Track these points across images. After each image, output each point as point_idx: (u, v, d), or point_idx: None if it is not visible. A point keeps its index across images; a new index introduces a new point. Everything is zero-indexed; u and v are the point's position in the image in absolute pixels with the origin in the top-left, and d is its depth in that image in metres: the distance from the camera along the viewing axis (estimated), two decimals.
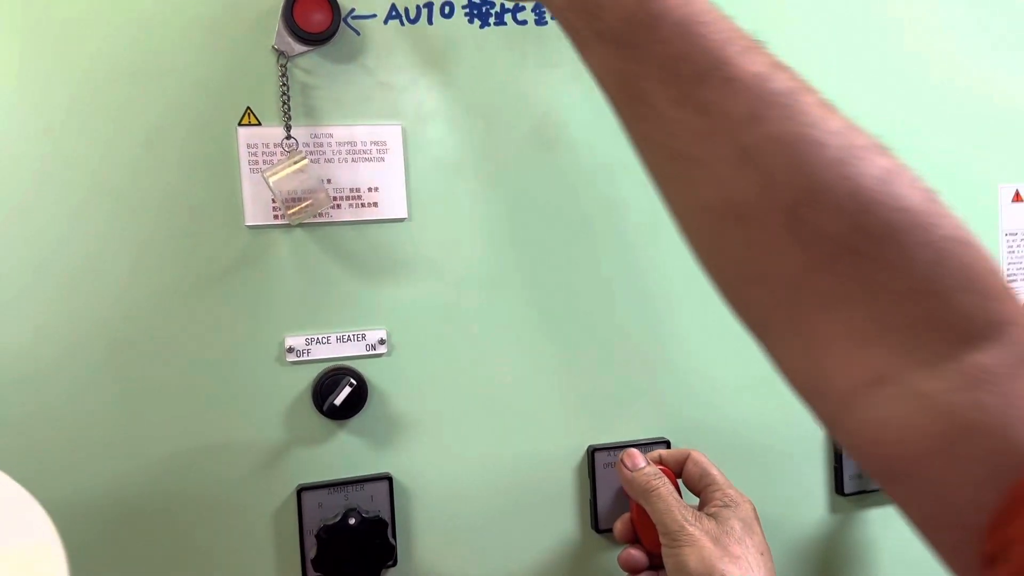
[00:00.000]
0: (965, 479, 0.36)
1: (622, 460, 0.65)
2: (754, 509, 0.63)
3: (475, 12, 0.66)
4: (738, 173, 0.39)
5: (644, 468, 0.64)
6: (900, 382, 0.37)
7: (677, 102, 0.40)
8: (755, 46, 0.40)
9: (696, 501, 0.65)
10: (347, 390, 0.62)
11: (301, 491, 0.63)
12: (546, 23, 0.68)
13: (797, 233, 0.38)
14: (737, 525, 0.60)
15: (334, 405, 0.62)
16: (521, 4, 0.66)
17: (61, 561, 0.39)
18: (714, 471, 0.65)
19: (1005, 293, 0.37)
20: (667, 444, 0.71)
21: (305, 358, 0.63)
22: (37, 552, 0.40)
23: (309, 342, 0.63)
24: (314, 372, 0.64)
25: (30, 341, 0.58)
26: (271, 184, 0.59)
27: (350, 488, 0.64)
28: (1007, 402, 0.36)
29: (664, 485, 0.62)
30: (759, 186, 0.38)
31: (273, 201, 0.62)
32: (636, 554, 0.65)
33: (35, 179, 0.58)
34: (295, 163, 0.60)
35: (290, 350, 0.63)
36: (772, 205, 0.38)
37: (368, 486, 0.64)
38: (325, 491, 0.63)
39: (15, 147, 0.58)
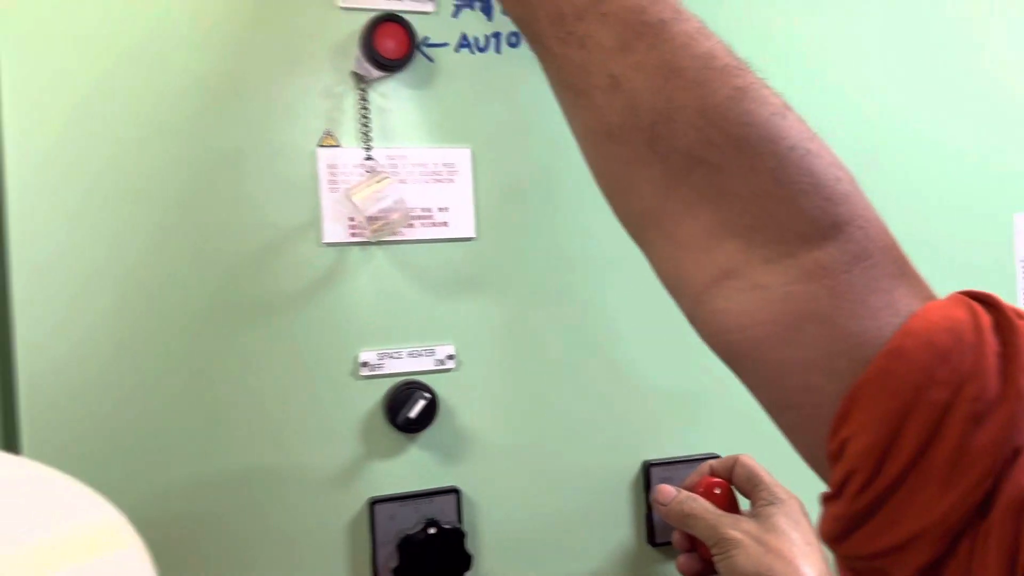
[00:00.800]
0: (798, 363, 0.40)
1: (655, 499, 0.67)
2: (802, 506, 0.65)
3: None
4: (609, 99, 0.44)
5: (675, 497, 0.66)
6: (744, 276, 0.42)
7: (562, 40, 0.45)
8: None
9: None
10: (422, 403, 0.63)
11: (374, 503, 0.64)
12: None
13: (656, 148, 0.43)
14: (781, 521, 0.63)
15: (408, 418, 0.63)
16: None
17: (133, 535, 0.39)
18: (761, 472, 0.67)
19: (846, 197, 0.41)
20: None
21: (378, 372, 0.65)
22: (108, 527, 0.39)
23: (382, 357, 0.65)
24: (386, 386, 0.65)
25: (111, 356, 0.59)
26: (355, 202, 0.61)
27: (420, 501, 0.65)
28: (838, 294, 0.40)
29: (697, 505, 0.64)
30: (625, 109, 0.43)
31: (351, 219, 0.64)
32: (692, 561, 0.67)
33: (120, 199, 0.60)
34: (378, 182, 0.62)
35: (364, 364, 0.64)
36: (636, 125, 0.43)
37: (437, 499, 0.65)
38: (397, 503, 0.64)
39: (99, 163, 0.59)
